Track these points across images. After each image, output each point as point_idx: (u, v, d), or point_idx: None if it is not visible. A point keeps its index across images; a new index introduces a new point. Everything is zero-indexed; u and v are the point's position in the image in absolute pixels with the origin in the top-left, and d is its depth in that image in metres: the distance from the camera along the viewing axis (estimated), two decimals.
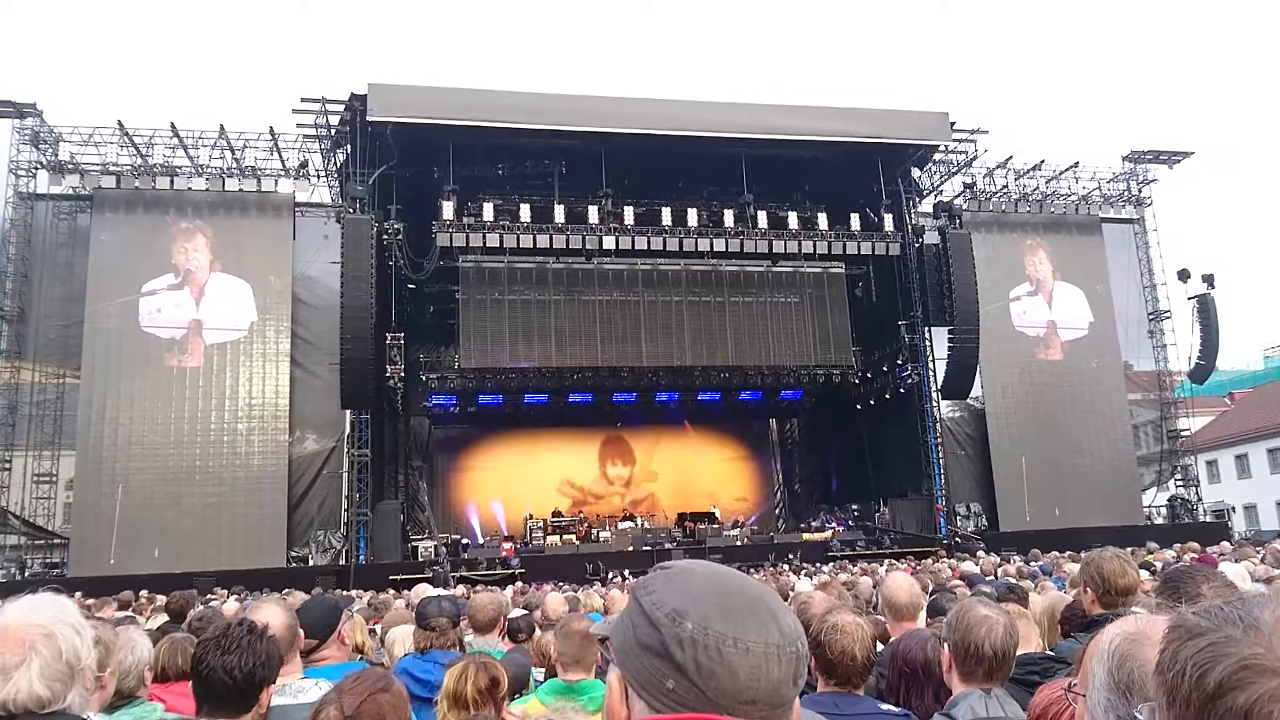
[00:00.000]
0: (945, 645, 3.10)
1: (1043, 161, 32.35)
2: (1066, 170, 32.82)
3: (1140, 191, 34.50)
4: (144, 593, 14.11)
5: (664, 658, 1.08)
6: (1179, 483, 33.82)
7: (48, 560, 26.16)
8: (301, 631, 3.45)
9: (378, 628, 7.01)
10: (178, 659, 3.83)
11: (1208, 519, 33.78)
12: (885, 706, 3.29)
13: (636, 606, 1.14)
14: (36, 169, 27.29)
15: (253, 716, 2.69)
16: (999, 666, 2.96)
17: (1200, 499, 34.16)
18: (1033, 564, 13.18)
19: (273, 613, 3.31)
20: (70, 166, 26.84)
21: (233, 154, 27.71)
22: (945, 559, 19.84)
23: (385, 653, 5.63)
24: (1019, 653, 3.43)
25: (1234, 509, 43.40)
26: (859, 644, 3.23)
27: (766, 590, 1.16)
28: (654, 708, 1.08)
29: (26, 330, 26.80)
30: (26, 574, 24.65)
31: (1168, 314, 34.36)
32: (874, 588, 7.93)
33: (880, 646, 4.58)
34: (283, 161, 28.08)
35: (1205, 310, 33.32)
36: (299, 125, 27.22)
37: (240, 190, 27.69)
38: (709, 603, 1.10)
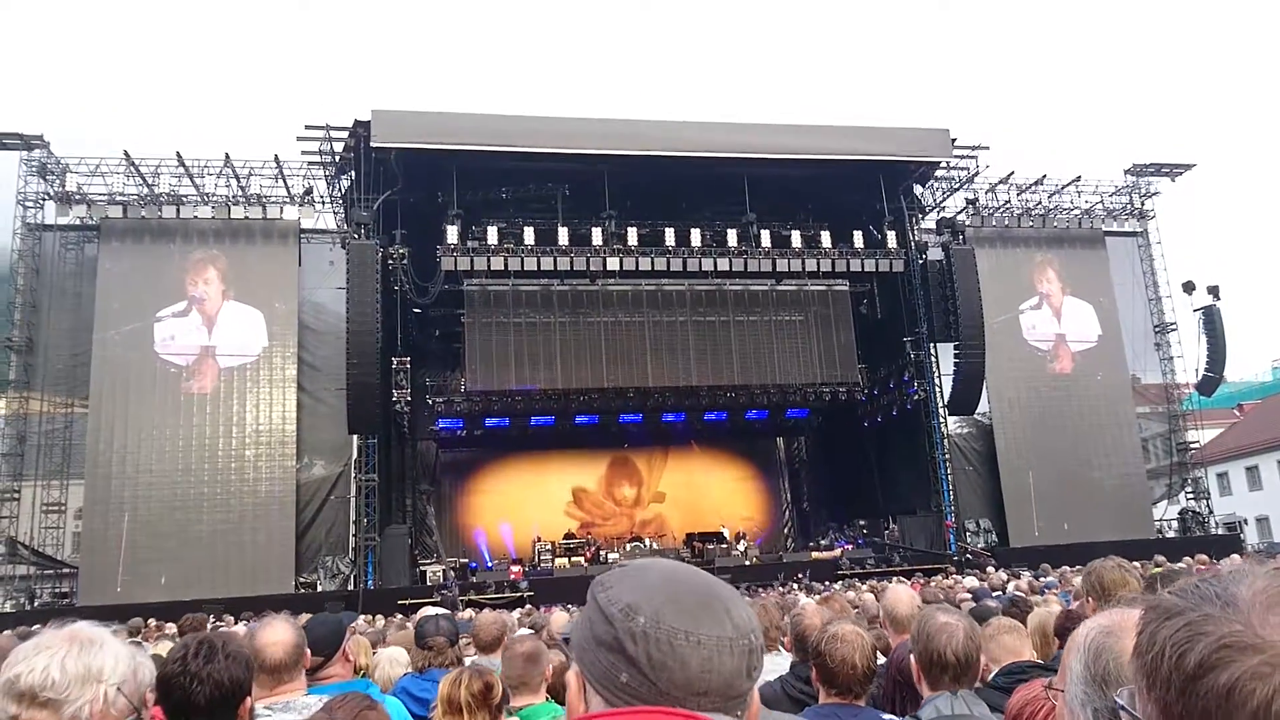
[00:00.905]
0: (911, 656, 3.14)
1: (1044, 176, 32.41)
2: (1069, 184, 32.86)
3: (1143, 204, 34.49)
4: (151, 620, 14.12)
5: (618, 652, 1.10)
6: (1189, 496, 33.64)
7: (57, 590, 26.17)
8: (308, 650, 3.45)
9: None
10: None
11: (1219, 532, 33.55)
12: (886, 716, 3.30)
13: (593, 603, 1.16)
14: (44, 200, 27.49)
15: None
16: (963, 671, 3.01)
17: (1211, 511, 33.95)
18: (1042, 578, 13.11)
19: (280, 630, 3.32)
20: (77, 197, 27.01)
21: (238, 182, 27.90)
22: (955, 575, 19.76)
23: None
24: (1009, 662, 3.45)
25: (1246, 521, 43.11)
26: (859, 653, 3.25)
27: (721, 585, 1.18)
28: (610, 702, 1.10)
29: (35, 360, 26.93)
30: (36, 604, 24.67)
31: (1174, 326, 34.28)
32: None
33: (882, 659, 4.58)
34: (288, 188, 28.27)
35: (1211, 322, 33.26)
36: (304, 152, 27.47)
37: (246, 218, 27.85)
38: (661, 598, 1.12)
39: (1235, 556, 15.53)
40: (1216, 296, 33.32)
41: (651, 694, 1.07)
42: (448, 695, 3.11)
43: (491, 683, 3.08)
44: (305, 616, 9.10)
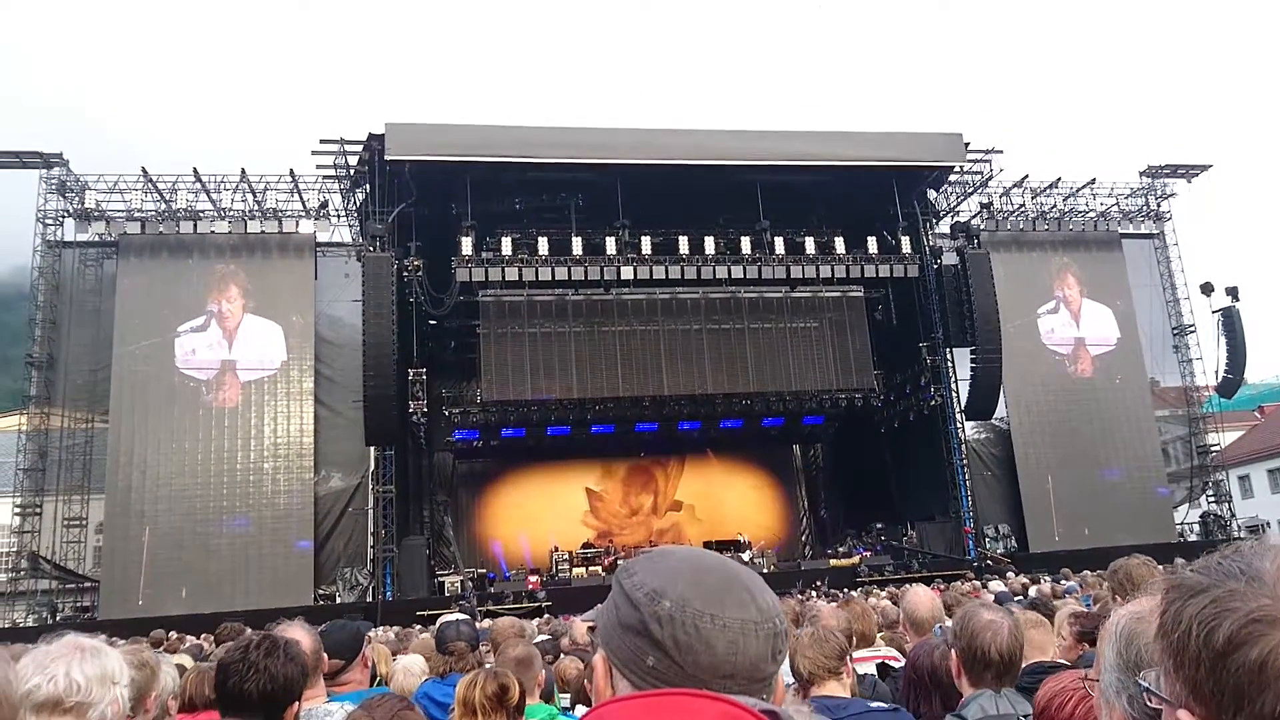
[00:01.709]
0: (953, 651, 3.11)
1: (1059, 179, 32.29)
2: (1084, 187, 32.73)
3: (1159, 206, 34.32)
4: (172, 633, 14.19)
5: (644, 636, 1.11)
6: (1211, 499, 33.35)
7: (78, 604, 26.33)
8: (325, 655, 3.46)
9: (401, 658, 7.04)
10: (205, 689, 3.85)
11: (1242, 535, 33.23)
12: (875, 705, 3.31)
13: (619, 589, 1.18)
14: (64, 218, 27.79)
15: None
16: (1006, 669, 2.97)
17: (1234, 515, 33.66)
18: (1063, 582, 13.02)
19: (296, 634, 3.33)
20: (96, 214, 27.24)
21: (254, 196, 28.10)
22: (975, 580, 19.63)
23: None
24: (1033, 661, 3.43)
25: (1269, 524, 42.65)
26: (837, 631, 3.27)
27: (745, 570, 1.20)
28: (636, 685, 1.11)
29: (55, 376, 27.19)
30: (58, 618, 24.82)
31: (1192, 328, 34.05)
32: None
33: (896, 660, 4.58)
34: (303, 202, 28.46)
35: (1230, 323, 33.03)
36: (318, 166, 27.69)
37: (262, 232, 28.04)
38: (686, 582, 1.13)
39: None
40: (1235, 298, 33.09)
41: (678, 677, 1.09)
42: (464, 697, 3.13)
43: (507, 684, 3.09)
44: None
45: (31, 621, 24.73)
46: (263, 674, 2.64)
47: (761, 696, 1.11)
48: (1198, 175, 33.99)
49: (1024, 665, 3.47)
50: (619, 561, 28.96)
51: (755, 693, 1.11)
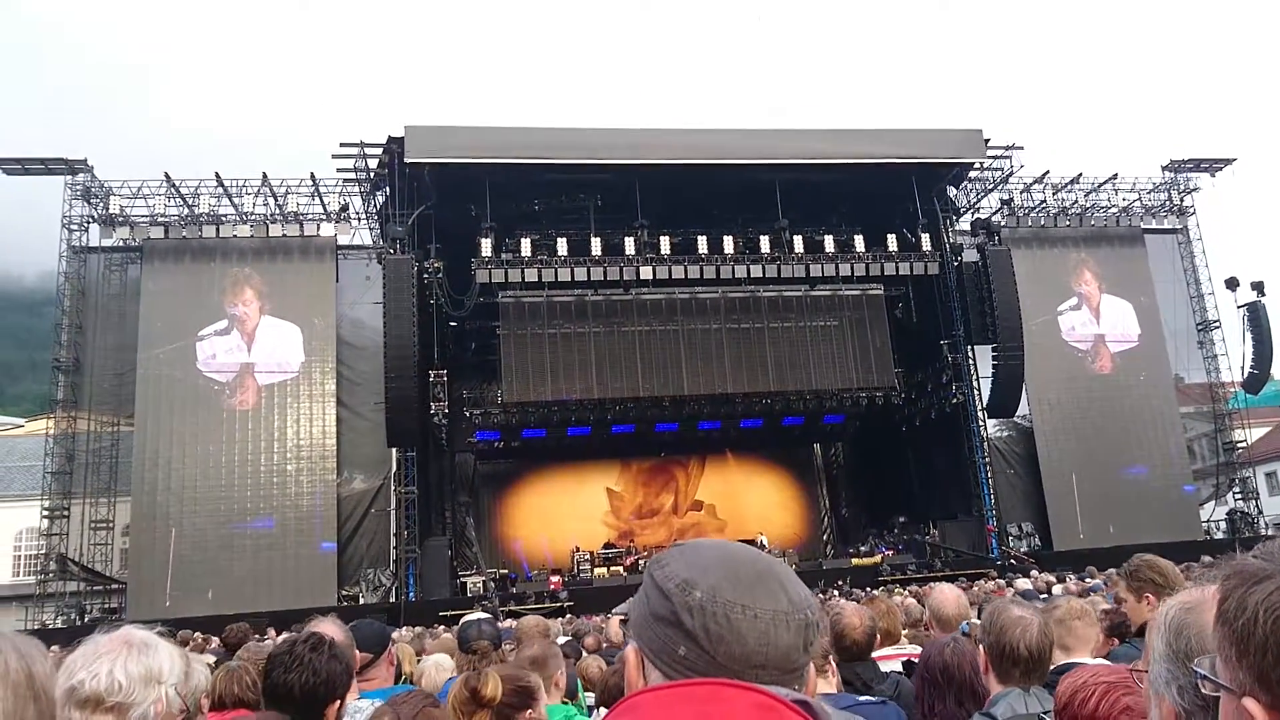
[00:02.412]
0: (980, 647, 3.10)
1: (1080, 174, 32.07)
2: (1105, 182, 32.48)
3: (1182, 201, 34.00)
4: (197, 634, 14.33)
5: (675, 626, 1.12)
6: (1237, 496, 33.02)
7: (106, 605, 26.62)
8: (357, 651, 3.48)
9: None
10: (234, 687, 3.90)
11: (1270, 532, 32.86)
12: (863, 699, 3.33)
13: (650, 580, 1.19)
14: (88, 223, 28.07)
15: None
16: (1035, 667, 2.95)
17: (1261, 512, 33.30)
18: (1087, 580, 12.92)
19: (330, 630, 3.36)
20: (120, 219, 27.52)
21: (275, 200, 28.31)
22: (998, 579, 19.49)
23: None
24: (1072, 659, 3.40)
25: None
26: (860, 630, 3.27)
27: (776, 562, 1.21)
28: (668, 675, 1.12)
29: (81, 380, 27.48)
30: (86, 619, 25.09)
31: (1217, 324, 33.72)
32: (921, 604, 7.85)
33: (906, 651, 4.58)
34: (324, 206, 28.64)
35: (1256, 318, 32.69)
36: (339, 170, 27.85)
37: (284, 235, 28.25)
38: (718, 573, 1.14)
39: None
40: (1261, 292, 32.75)
41: (709, 666, 1.10)
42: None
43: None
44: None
45: (60, 623, 25.01)
46: (306, 668, 2.67)
47: (794, 687, 1.12)
48: (1221, 169, 33.66)
49: (1063, 662, 3.45)
50: (640, 562, 29.01)
51: (787, 683, 1.12)
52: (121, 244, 28.17)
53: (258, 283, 28.21)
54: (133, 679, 2.10)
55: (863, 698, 3.31)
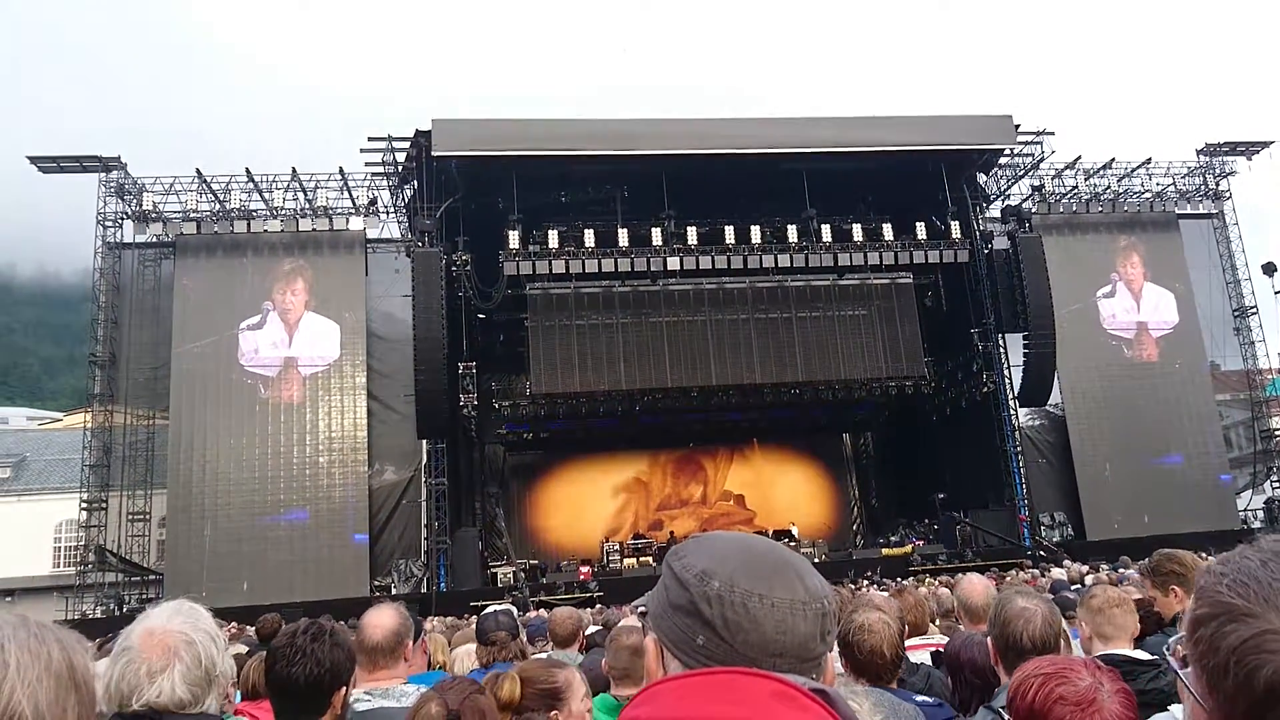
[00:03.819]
0: (989, 639, 3.11)
1: (1113, 160, 31.62)
2: (1139, 167, 32.00)
3: (1218, 185, 33.46)
4: (232, 624, 14.55)
5: (693, 615, 1.14)
6: (1275, 485, 32.54)
7: (144, 596, 27.05)
8: (409, 641, 3.50)
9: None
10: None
11: None
12: (919, 696, 3.32)
13: (669, 571, 1.21)
14: (122, 219, 28.48)
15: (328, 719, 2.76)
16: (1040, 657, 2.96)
17: None
18: (1120, 570, 12.80)
19: (386, 615, 3.42)
20: (153, 216, 27.88)
21: (305, 195, 28.56)
22: (1031, 569, 19.36)
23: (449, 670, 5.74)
24: (1107, 650, 3.38)
25: None
26: (886, 642, 3.24)
27: (793, 554, 1.22)
28: (686, 665, 1.14)
29: (117, 375, 27.94)
30: (124, 609, 25.53)
31: (1254, 310, 33.19)
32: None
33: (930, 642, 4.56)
34: (353, 200, 28.85)
35: None
36: (367, 164, 28.02)
37: (314, 230, 28.49)
38: (735, 563, 1.16)
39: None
40: None
41: (728, 655, 1.11)
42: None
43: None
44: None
45: (99, 613, 25.47)
46: (309, 659, 2.68)
47: (812, 676, 1.13)
48: (1258, 152, 33.05)
49: (1102, 652, 3.43)
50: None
51: (805, 672, 1.13)
52: (155, 240, 28.57)
53: (309, 275, 28.49)
54: (194, 691, 2.15)
55: (919, 697, 3.30)
